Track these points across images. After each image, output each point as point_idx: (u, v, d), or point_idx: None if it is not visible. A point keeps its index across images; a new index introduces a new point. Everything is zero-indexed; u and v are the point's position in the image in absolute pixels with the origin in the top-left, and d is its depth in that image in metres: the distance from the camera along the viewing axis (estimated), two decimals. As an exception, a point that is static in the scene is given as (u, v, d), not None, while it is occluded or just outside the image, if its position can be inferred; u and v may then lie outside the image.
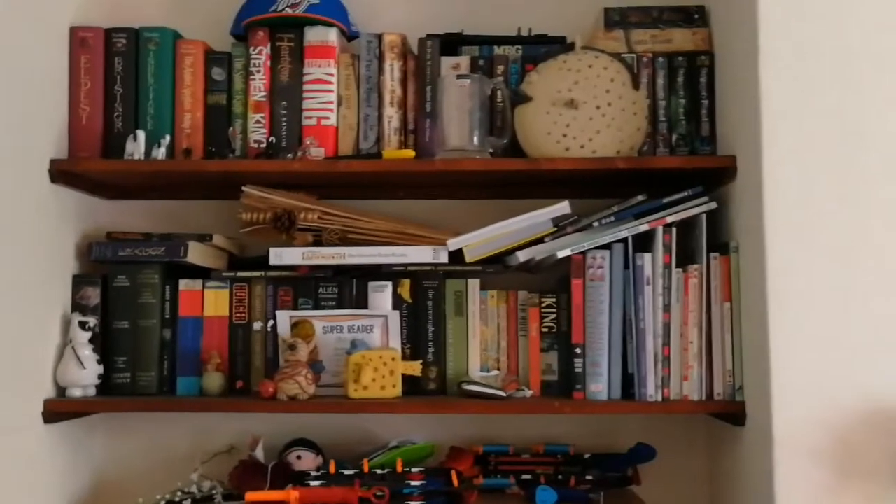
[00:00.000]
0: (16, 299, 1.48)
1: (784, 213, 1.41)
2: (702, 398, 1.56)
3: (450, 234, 1.65)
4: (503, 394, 1.57)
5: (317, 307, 1.67)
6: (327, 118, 1.67)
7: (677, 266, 1.57)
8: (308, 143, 1.65)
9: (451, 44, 1.71)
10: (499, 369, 1.67)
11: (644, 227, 1.57)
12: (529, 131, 1.61)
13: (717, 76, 1.66)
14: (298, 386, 1.55)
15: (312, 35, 1.67)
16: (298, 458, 1.67)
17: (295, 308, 1.66)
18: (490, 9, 1.80)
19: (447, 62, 1.69)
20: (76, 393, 1.59)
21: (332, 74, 1.67)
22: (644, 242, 1.58)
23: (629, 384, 1.58)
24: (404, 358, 1.64)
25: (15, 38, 1.47)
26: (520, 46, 1.71)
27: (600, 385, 1.57)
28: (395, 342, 1.64)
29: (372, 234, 1.67)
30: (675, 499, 1.76)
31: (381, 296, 1.66)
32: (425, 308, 1.66)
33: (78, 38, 1.66)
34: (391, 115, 1.68)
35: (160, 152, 1.61)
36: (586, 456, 1.69)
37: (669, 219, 1.57)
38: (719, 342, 1.55)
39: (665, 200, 1.58)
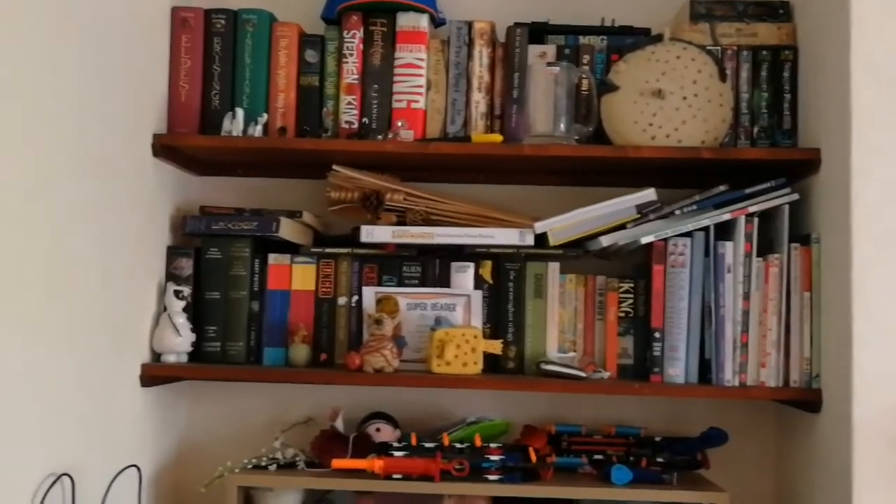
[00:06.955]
0: (116, 266, 1.54)
1: (870, 207, 1.44)
2: (779, 385, 1.59)
3: (527, 218, 1.69)
4: (583, 374, 1.62)
5: (400, 285, 1.72)
6: (417, 101, 1.72)
7: (758, 255, 1.60)
8: (399, 125, 1.69)
9: (537, 32, 1.75)
10: (575, 351, 1.71)
11: (726, 217, 1.61)
12: (616, 120, 1.65)
13: (801, 71, 1.69)
14: (384, 359, 1.61)
15: (405, 20, 1.72)
16: (378, 430, 1.72)
17: (379, 285, 1.72)
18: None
19: (534, 50, 1.73)
20: (171, 359, 1.66)
21: (422, 59, 1.72)
22: (725, 231, 1.62)
23: (705, 369, 1.62)
24: (484, 337, 1.68)
25: (120, 16, 1.52)
26: (605, 37, 1.75)
27: (678, 369, 1.62)
28: (477, 321, 1.69)
29: (454, 217, 1.71)
30: (744, 482, 1.79)
31: (464, 276, 1.71)
32: (506, 289, 1.71)
33: (179, 17, 1.72)
34: (478, 100, 1.72)
35: (257, 130, 1.67)
36: (657, 439, 1.72)
37: (752, 209, 1.60)
38: (797, 331, 1.59)
39: (748, 191, 1.62)
